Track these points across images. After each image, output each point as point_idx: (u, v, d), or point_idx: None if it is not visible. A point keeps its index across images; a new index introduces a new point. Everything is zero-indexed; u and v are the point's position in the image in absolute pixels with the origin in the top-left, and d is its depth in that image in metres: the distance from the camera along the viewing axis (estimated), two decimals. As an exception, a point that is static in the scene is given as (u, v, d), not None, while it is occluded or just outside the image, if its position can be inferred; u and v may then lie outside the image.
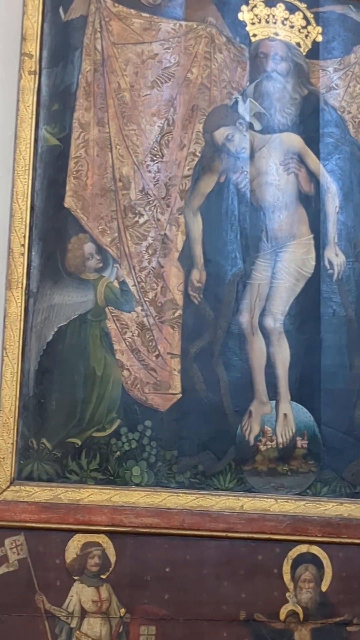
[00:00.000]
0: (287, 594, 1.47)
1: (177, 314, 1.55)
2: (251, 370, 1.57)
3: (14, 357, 1.49)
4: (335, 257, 1.64)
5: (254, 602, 1.44)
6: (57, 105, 1.59)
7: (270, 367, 1.57)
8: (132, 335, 1.52)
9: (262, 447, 1.54)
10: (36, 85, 1.57)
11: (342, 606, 1.49)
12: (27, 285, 1.52)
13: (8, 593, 1.39)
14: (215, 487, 1.52)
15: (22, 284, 1.51)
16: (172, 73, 1.63)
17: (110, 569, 1.42)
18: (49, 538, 1.42)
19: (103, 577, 1.41)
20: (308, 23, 1.68)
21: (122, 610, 1.42)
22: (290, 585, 1.47)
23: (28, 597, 1.39)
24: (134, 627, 1.42)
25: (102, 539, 1.43)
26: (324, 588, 1.48)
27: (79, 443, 1.49)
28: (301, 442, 1.56)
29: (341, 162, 1.72)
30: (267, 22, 1.64)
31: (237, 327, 1.57)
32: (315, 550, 1.51)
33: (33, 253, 1.53)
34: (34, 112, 1.56)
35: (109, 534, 1.43)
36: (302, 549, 1.49)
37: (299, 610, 1.46)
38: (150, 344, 1.52)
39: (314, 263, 1.62)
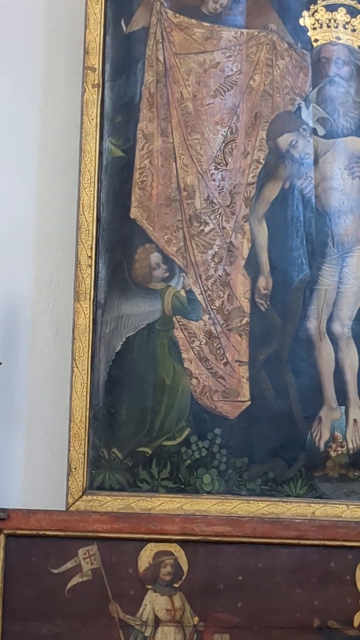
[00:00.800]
0: (361, 601, 1.46)
1: (244, 322, 1.55)
2: (320, 377, 1.56)
3: (83, 368, 1.51)
4: None
5: (327, 609, 1.44)
6: (120, 117, 1.61)
7: (338, 372, 1.57)
8: (200, 344, 1.53)
9: (333, 453, 1.53)
10: (100, 98, 1.60)
11: None
12: (95, 296, 1.54)
13: (83, 602, 1.41)
14: (286, 494, 1.52)
15: (90, 295, 1.53)
16: (234, 81, 1.63)
17: (183, 577, 1.43)
18: (121, 547, 1.43)
19: (176, 585, 1.42)
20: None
21: (196, 619, 1.42)
22: (364, 592, 1.46)
23: (102, 606, 1.41)
24: (207, 636, 1.43)
25: (174, 548, 1.44)
26: None
27: (150, 452, 1.50)
28: (372, 448, 1.56)
29: None
30: (329, 26, 1.63)
31: (304, 333, 1.56)
32: (388, 556, 1.48)
33: (100, 264, 1.55)
34: (98, 125, 1.58)
35: (181, 542, 1.44)
36: (375, 555, 1.47)
37: (373, 617, 1.45)
38: (218, 352, 1.53)
39: (381, 267, 1.60)
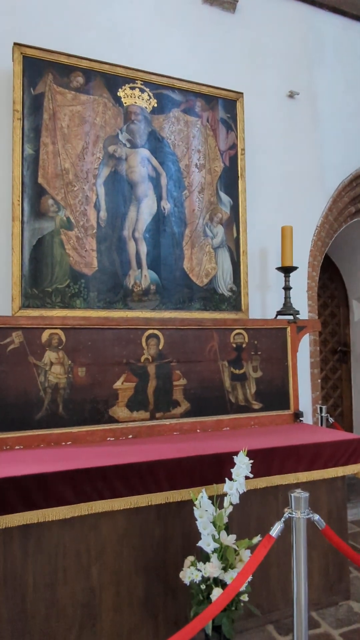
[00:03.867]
0: None
1: (94, 232, 3.03)
2: (129, 256, 3.11)
3: (17, 253, 2.88)
4: None
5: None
6: (32, 134, 2.93)
7: (137, 254, 3.14)
8: (73, 242, 3.00)
9: (136, 289, 3.13)
10: (21, 125, 2.89)
11: None
12: (22, 219, 2.89)
13: (15, 357, 2.74)
14: (115, 309, 3.10)
15: (19, 218, 2.88)
16: (86, 120, 3.06)
17: (63, 344, 2.92)
18: (33, 332, 2.77)
19: (60, 347, 2.86)
20: (149, 97, 3.27)
21: (70, 362, 2.92)
22: None
23: (25, 358, 2.77)
24: (75, 368, 2.92)
25: (59, 331, 2.85)
26: None
27: (51, 290, 2.99)
28: None
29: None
30: (132, 97, 3.20)
31: (122, 236, 3.14)
32: None
33: (24, 204, 2.90)
34: (21, 139, 2.90)
35: (61, 328, 2.92)
36: None
37: None
38: (82, 245, 3.01)
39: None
